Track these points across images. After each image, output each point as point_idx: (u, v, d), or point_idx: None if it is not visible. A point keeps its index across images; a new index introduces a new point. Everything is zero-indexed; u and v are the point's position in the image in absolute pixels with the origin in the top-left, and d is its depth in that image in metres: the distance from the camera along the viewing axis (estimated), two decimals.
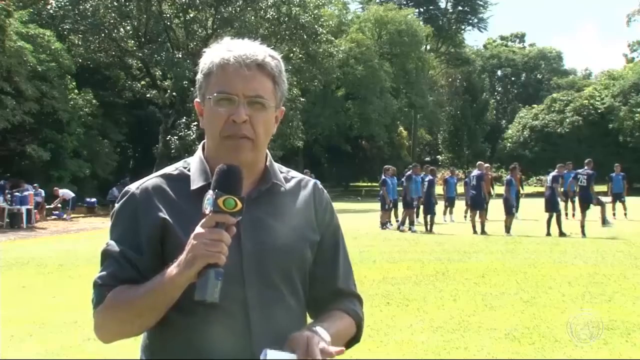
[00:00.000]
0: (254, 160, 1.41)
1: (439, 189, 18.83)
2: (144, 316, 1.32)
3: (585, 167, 14.93)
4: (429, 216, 15.89)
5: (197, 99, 1.46)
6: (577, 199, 16.17)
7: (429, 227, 15.71)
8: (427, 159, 51.82)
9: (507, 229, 14.52)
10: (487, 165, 18.36)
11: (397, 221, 17.50)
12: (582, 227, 13.91)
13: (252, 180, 1.43)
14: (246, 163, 1.37)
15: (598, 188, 15.59)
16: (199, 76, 1.43)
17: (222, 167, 1.28)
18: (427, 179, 16.38)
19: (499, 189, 21.46)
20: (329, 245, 1.52)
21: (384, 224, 16.99)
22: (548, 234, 13.99)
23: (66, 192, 22.60)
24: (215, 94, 1.37)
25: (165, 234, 1.36)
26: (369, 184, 51.40)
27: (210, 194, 1.25)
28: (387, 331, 5.61)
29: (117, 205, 1.44)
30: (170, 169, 1.47)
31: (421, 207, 16.72)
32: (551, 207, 14.28)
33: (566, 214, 17.80)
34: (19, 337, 5.69)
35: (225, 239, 1.23)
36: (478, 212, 15.38)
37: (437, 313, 6.38)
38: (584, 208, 14.30)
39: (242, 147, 1.37)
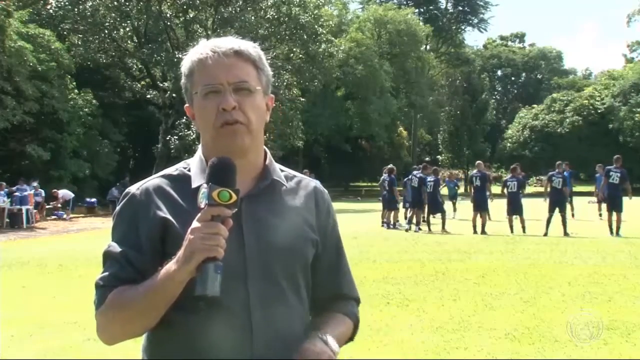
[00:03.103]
0: (251, 147, 1.41)
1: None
2: (145, 315, 1.32)
3: (615, 165, 14.34)
4: (432, 216, 15.94)
5: (187, 105, 1.46)
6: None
7: (442, 226, 15.74)
8: (427, 158, 51.74)
9: (523, 229, 14.73)
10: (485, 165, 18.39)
11: (397, 221, 17.56)
12: (610, 226, 13.87)
13: (252, 177, 1.43)
14: (243, 149, 1.38)
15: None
16: (183, 80, 1.44)
17: (214, 160, 1.28)
18: (431, 180, 16.47)
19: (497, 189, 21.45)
20: (332, 250, 1.55)
21: (393, 224, 17.15)
22: (546, 234, 14.03)
23: (66, 193, 22.63)
24: (200, 88, 1.38)
25: (167, 232, 1.36)
26: (369, 184, 51.38)
27: (204, 188, 1.25)
28: (387, 331, 5.60)
29: (118, 207, 1.44)
30: (171, 170, 1.48)
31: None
32: (559, 205, 14.35)
33: (573, 215, 17.80)
34: (19, 337, 5.69)
35: (222, 232, 1.23)
36: (480, 212, 15.42)
37: (437, 313, 6.37)
38: (613, 207, 14.01)
39: (237, 132, 1.37)
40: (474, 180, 15.96)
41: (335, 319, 1.51)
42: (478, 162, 17.41)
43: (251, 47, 1.42)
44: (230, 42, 1.41)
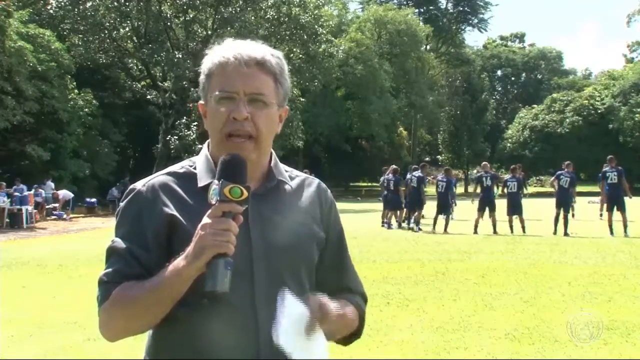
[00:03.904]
0: (258, 159, 1.41)
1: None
2: (150, 311, 1.32)
3: (610, 165, 14.38)
4: (442, 216, 15.96)
5: (201, 101, 1.46)
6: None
7: (444, 227, 15.70)
8: (427, 158, 51.75)
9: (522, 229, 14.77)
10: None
11: (399, 221, 17.59)
12: (610, 226, 13.85)
13: (258, 178, 1.44)
14: (249, 162, 1.37)
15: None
16: (201, 77, 1.44)
17: (225, 157, 1.28)
18: (442, 180, 16.52)
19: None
20: (336, 247, 1.56)
21: (398, 224, 17.27)
22: (555, 232, 14.11)
23: (65, 193, 22.65)
24: (216, 93, 1.38)
25: (173, 230, 1.36)
26: (369, 184, 51.38)
27: (215, 184, 1.25)
28: (387, 331, 5.61)
29: (122, 203, 1.44)
30: (176, 167, 1.47)
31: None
32: (564, 205, 14.43)
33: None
34: (19, 337, 5.69)
35: (233, 228, 1.23)
36: (485, 212, 15.44)
37: (437, 313, 6.37)
38: (614, 206, 14.06)
39: (244, 147, 1.36)
40: (484, 181, 15.86)
41: (340, 302, 1.45)
42: (484, 163, 17.47)
43: (274, 59, 1.41)
44: (254, 50, 1.39)
